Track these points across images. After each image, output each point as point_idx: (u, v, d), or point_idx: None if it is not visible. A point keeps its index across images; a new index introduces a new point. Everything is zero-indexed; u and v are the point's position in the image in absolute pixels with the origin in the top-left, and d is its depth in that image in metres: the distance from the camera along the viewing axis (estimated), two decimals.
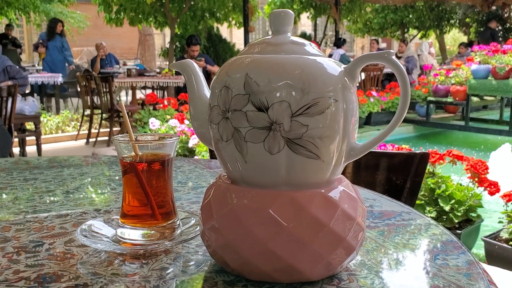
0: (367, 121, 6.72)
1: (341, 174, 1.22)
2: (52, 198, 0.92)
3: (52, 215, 0.82)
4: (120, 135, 0.68)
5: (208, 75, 7.04)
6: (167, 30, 11.08)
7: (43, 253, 0.64)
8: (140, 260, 0.62)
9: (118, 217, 0.68)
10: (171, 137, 0.67)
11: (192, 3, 9.55)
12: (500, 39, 11.01)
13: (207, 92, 0.61)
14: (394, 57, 0.53)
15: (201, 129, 0.60)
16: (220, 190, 0.56)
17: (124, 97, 9.28)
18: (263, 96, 0.51)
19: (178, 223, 0.68)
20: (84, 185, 1.03)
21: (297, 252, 0.51)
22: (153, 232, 0.65)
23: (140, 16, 9.47)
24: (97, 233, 0.68)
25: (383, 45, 13.88)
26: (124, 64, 10.19)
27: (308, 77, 0.51)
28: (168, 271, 0.59)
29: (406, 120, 7.05)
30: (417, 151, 1.07)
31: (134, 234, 0.65)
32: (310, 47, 0.56)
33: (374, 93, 6.90)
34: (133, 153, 0.66)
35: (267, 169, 0.53)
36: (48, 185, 1.02)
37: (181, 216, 0.74)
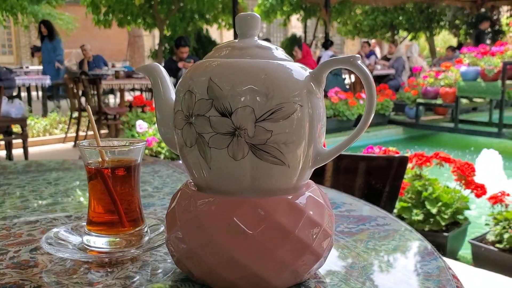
0: (356, 123, 6.72)
1: (323, 177, 1.21)
2: (23, 204, 0.90)
3: (21, 221, 0.80)
4: (85, 140, 0.66)
5: None
6: (156, 32, 11.05)
7: (6, 261, 0.63)
8: (105, 268, 0.61)
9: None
10: (137, 143, 0.65)
11: (181, 4, 9.53)
12: (489, 41, 11.11)
13: (174, 96, 0.60)
14: (359, 62, 0.52)
15: (168, 134, 0.59)
16: (184, 197, 0.55)
17: (113, 99, 9.22)
18: (227, 101, 0.50)
19: (146, 230, 0.67)
20: (58, 190, 1.01)
21: (262, 260, 0.50)
22: (118, 239, 0.64)
23: (128, 17, 9.43)
24: (63, 240, 0.66)
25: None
26: (113, 66, 10.13)
27: (272, 82, 0.50)
28: (133, 280, 0.58)
29: (395, 122, 7.09)
30: (396, 155, 1.07)
31: (99, 242, 0.64)
32: (277, 51, 0.55)
33: (363, 95, 6.91)
34: (99, 159, 0.64)
35: (232, 176, 0.51)
36: (21, 190, 1.00)
37: (151, 223, 0.72)
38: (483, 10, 12.10)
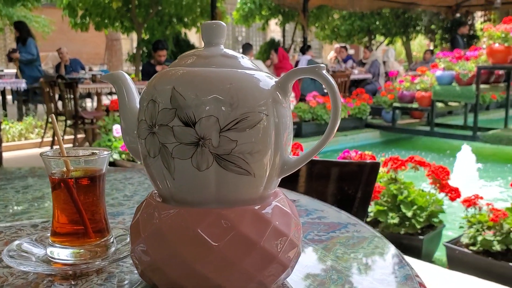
0: None
1: (296, 183, 1.21)
2: None
3: None
4: (50, 150, 0.65)
5: None
6: (134, 35, 10.95)
7: None
8: (69, 281, 0.59)
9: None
10: (102, 152, 0.64)
11: (159, 8, 9.47)
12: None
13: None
14: (325, 71, 0.52)
15: (133, 144, 0.58)
16: (148, 208, 0.54)
17: (90, 103, 9.09)
18: (190, 110, 0.49)
19: (112, 241, 0.65)
20: (26, 199, 0.98)
21: (227, 272, 0.50)
22: (83, 251, 0.62)
23: (106, 21, 9.32)
24: (26, 252, 0.64)
25: (351, 51, 14.08)
26: (90, 70, 9.99)
27: (237, 91, 0.50)
28: None
29: (372, 126, 7.17)
30: (368, 161, 1.07)
31: (64, 254, 0.62)
32: (243, 60, 0.55)
33: (341, 99, 6.97)
34: (63, 169, 0.63)
35: (196, 187, 0.51)
36: None
37: (118, 233, 0.71)
38: (458, 15, 12.37)
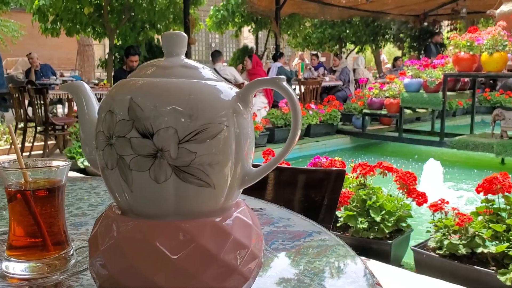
0: (306, 133, 6.85)
1: (265, 191, 1.22)
2: None
3: None
4: (7, 161, 0.63)
5: None
6: (107, 41, 10.81)
7: None
8: None
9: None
10: (62, 163, 0.63)
11: (132, 14, 9.38)
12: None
13: None
14: (285, 83, 0.53)
15: (92, 155, 0.57)
16: (107, 220, 0.53)
17: (61, 109, 8.90)
18: (148, 122, 0.48)
19: (71, 253, 0.64)
20: None
21: (186, 285, 0.49)
22: (40, 264, 0.61)
23: (77, 26, 9.16)
24: None
25: (322, 59, 14.28)
26: (61, 75, 9.80)
27: (196, 102, 0.49)
28: None
29: (343, 132, 7.27)
30: (334, 168, 1.09)
31: (20, 268, 0.61)
32: (204, 70, 0.55)
33: (313, 105, 7.05)
34: (21, 180, 0.61)
35: (155, 199, 0.50)
36: None
37: (80, 244, 0.69)
38: (425, 24, 12.71)
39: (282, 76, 0.53)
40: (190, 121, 0.49)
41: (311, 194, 1.12)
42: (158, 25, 9.92)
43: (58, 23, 9.08)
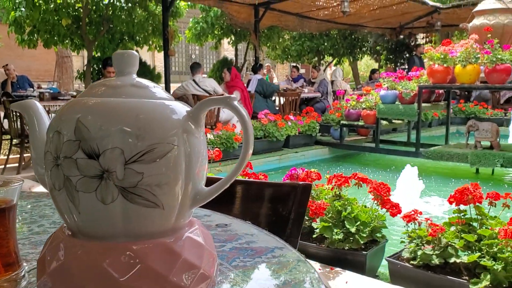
0: (285, 144, 6.89)
1: (232, 205, 1.21)
2: None
3: None
4: None
5: None
6: (86, 52, 10.71)
7: None
8: None
9: None
10: (13, 182, 0.61)
11: (111, 26, 9.34)
12: (407, 66, 11.90)
13: None
14: (236, 102, 0.53)
15: (42, 175, 0.56)
16: (55, 242, 0.52)
17: None
18: (94, 142, 0.48)
19: (22, 275, 0.62)
20: None
21: None
22: None
23: (55, 38, 9.06)
24: None
25: (302, 70, 14.43)
26: (39, 87, 9.65)
27: (144, 122, 0.49)
28: None
29: (321, 143, 7.32)
30: (301, 182, 1.09)
31: None
32: (155, 89, 0.55)
33: (291, 117, 7.10)
34: None
35: (102, 220, 0.50)
36: None
37: (35, 265, 0.68)
38: (401, 37, 12.97)
39: (233, 96, 0.54)
40: (137, 141, 0.48)
41: (278, 208, 1.12)
42: (137, 37, 9.89)
43: (35, 35, 8.97)
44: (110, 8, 8.89)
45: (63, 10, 8.56)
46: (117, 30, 9.54)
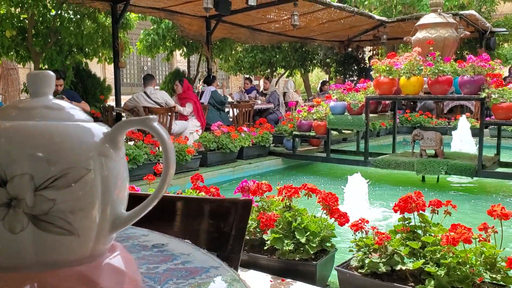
0: (239, 155, 6.90)
1: (173, 223, 1.19)
2: None
3: None
4: None
5: None
6: (33, 64, 10.33)
7: None
8: None
9: None
10: None
11: (59, 38, 9.07)
12: (355, 78, 12.29)
13: None
14: (156, 123, 0.52)
15: None
16: None
17: None
18: (1, 168, 0.46)
19: None
20: None
21: None
22: None
23: None
24: None
25: (255, 82, 14.55)
26: None
27: (56, 146, 0.47)
28: None
29: (275, 153, 7.39)
30: (240, 198, 1.09)
31: None
32: (71, 110, 0.53)
33: (245, 128, 7.12)
34: None
35: (11, 251, 0.47)
36: None
37: None
38: (350, 49, 13.37)
39: (153, 116, 0.53)
40: (49, 166, 0.46)
41: (219, 224, 1.11)
42: (86, 49, 9.66)
43: None
44: (58, 20, 8.64)
45: (7, 21, 8.24)
46: (65, 42, 9.27)
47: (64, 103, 0.54)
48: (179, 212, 1.17)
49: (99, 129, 0.52)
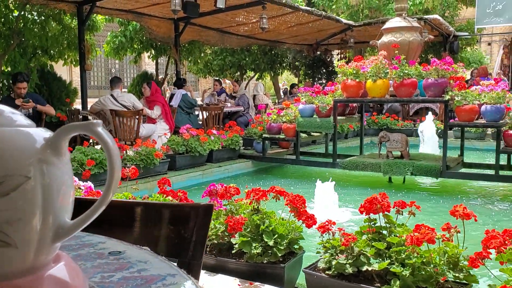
0: (209, 158, 6.86)
1: (132, 229, 1.16)
2: None
3: None
4: None
5: (39, 115, 6.53)
6: None
7: None
8: None
9: None
10: None
11: (22, 39, 8.81)
12: (324, 81, 12.43)
13: None
14: (100, 128, 0.50)
15: None
16: None
17: None
18: None
19: None
20: None
21: None
22: None
23: None
24: None
25: (225, 84, 14.53)
26: None
27: None
28: None
29: (245, 156, 7.39)
30: (201, 203, 1.07)
31: None
32: (11, 115, 0.50)
33: (214, 131, 7.09)
34: None
35: None
36: None
37: None
38: (318, 53, 13.52)
39: (98, 121, 0.51)
40: None
41: (179, 230, 1.09)
42: (51, 51, 9.42)
43: None
44: (21, 21, 8.40)
45: None
46: (29, 44, 9.02)
47: (4, 108, 0.51)
48: (138, 218, 1.15)
49: (40, 135, 0.50)
